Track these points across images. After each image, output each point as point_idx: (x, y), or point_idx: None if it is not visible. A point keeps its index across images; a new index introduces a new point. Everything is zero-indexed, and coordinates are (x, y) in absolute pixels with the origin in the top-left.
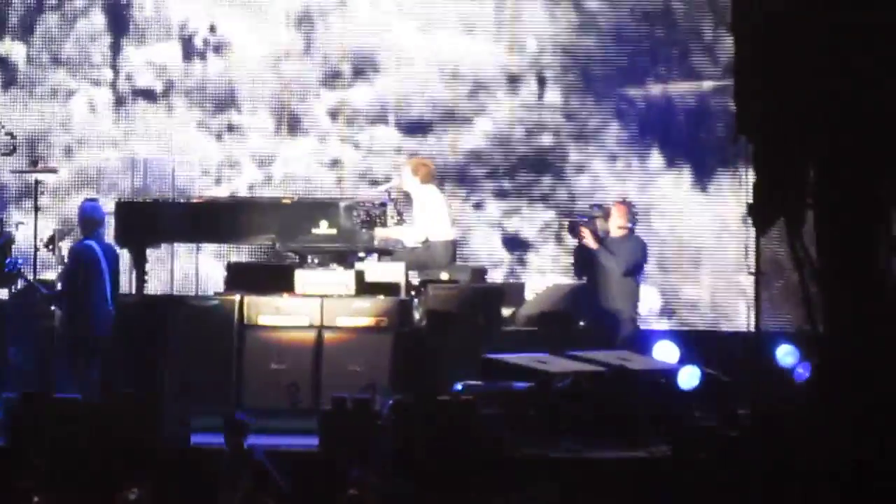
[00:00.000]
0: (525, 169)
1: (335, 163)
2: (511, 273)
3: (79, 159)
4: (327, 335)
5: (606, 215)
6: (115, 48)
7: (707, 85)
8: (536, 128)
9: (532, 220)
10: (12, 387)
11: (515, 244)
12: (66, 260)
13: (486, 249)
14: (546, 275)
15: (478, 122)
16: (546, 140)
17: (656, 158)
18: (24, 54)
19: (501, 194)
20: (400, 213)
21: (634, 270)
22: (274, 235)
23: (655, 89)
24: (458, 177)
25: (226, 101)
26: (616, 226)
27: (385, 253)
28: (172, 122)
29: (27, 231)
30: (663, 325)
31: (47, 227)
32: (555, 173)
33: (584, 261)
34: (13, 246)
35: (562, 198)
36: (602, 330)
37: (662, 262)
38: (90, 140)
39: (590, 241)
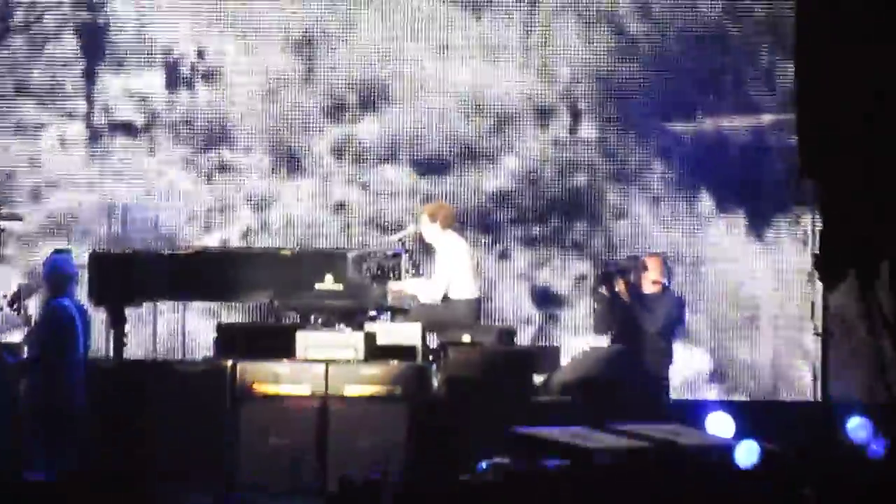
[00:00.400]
0: (556, 213)
1: (340, 207)
2: (541, 333)
3: (48, 203)
4: (333, 406)
5: (643, 268)
6: (90, 76)
7: (765, 118)
8: (569, 166)
9: (565, 272)
10: None
11: (546, 299)
12: (34, 321)
13: (513, 305)
14: (581, 335)
15: (503, 160)
16: (580, 180)
17: (706, 202)
18: None
19: (530, 242)
20: (416, 266)
21: (670, 330)
22: (272, 291)
23: (705, 123)
24: (480, 222)
25: (216, 137)
26: (650, 281)
27: (399, 311)
28: (155, 160)
29: None
30: (714, 392)
31: (12, 281)
32: (590, 218)
33: (613, 317)
34: None
35: (598, 246)
36: (644, 399)
37: (714, 319)
38: (61, 181)
39: (624, 295)
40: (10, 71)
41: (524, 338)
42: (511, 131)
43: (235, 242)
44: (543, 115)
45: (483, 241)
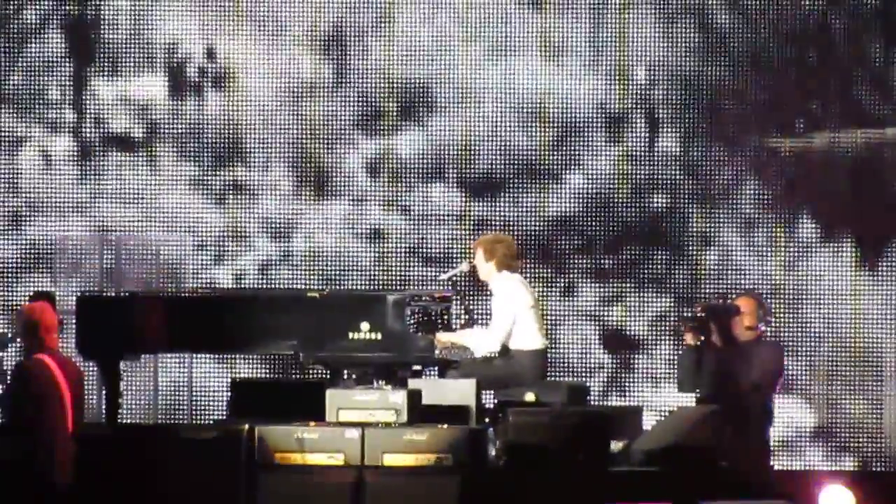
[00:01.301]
0: (631, 241)
1: (376, 235)
2: (614, 383)
3: (29, 231)
4: (370, 478)
5: (735, 311)
6: (79, 81)
7: (879, 130)
8: (647, 185)
9: (641, 311)
10: None
11: (619, 343)
12: (8, 379)
13: (579, 350)
14: (662, 387)
15: (567, 177)
16: (659, 202)
17: (808, 227)
18: None
19: (599, 275)
20: (468, 312)
21: (769, 385)
22: (297, 342)
23: (807, 135)
24: (540, 251)
25: (229, 152)
26: (744, 326)
27: (449, 366)
28: (157, 179)
29: None
30: (817, 454)
31: None
32: (671, 247)
33: (701, 371)
34: None
35: (680, 280)
36: (745, 470)
37: (816, 367)
38: (44, 205)
39: (715, 340)
40: None
41: (595, 393)
42: (578, 144)
43: (252, 277)
44: (616, 124)
45: (544, 273)
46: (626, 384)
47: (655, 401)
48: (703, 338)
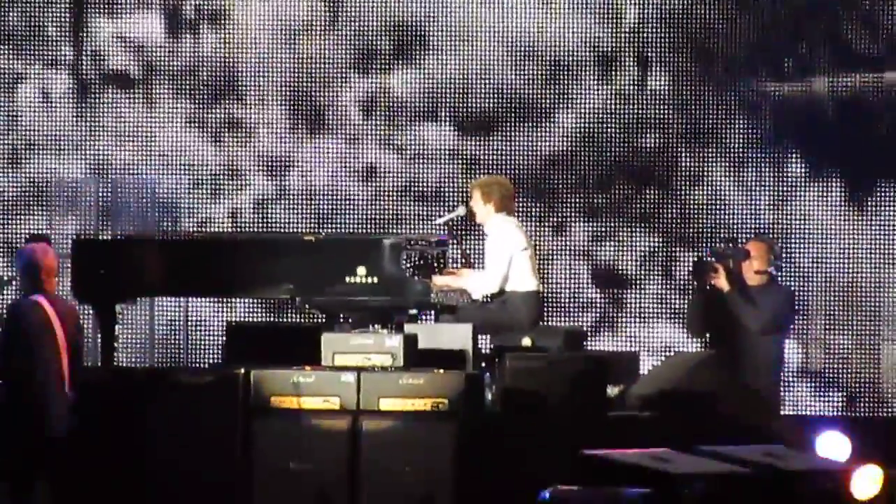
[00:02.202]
0: (622, 179)
1: (371, 172)
2: (604, 319)
3: (27, 168)
4: (366, 423)
5: (745, 255)
6: (78, 19)
7: (867, 73)
8: (636, 124)
9: (631, 248)
10: None
11: (609, 280)
12: (5, 321)
13: (570, 287)
14: (651, 322)
15: (558, 116)
16: (649, 140)
17: (798, 166)
18: None
19: (590, 213)
20: (466, 256)
21: (776, 329)
22: (293, 286)
23: (797, 75)
24: (532, 189)
25: (225, 90)
26: (752, 271)
27: (446, 310)
28: (153, 117)
29: None
30: (809, 398)
31: None
32: (660, 185)
33: (710, 314)
34: None
35: (670, 217)
36: (746, 415)
37: (809, 307)
38: (42, 143)
39: (722, 283)
40: None
41: (599, 341)
42: (569, 83)
43: (248, 215)
44: (607, 63)
45: (535, 211)
46: (615, 319)
47: (647, 340)
48: (711, 282)
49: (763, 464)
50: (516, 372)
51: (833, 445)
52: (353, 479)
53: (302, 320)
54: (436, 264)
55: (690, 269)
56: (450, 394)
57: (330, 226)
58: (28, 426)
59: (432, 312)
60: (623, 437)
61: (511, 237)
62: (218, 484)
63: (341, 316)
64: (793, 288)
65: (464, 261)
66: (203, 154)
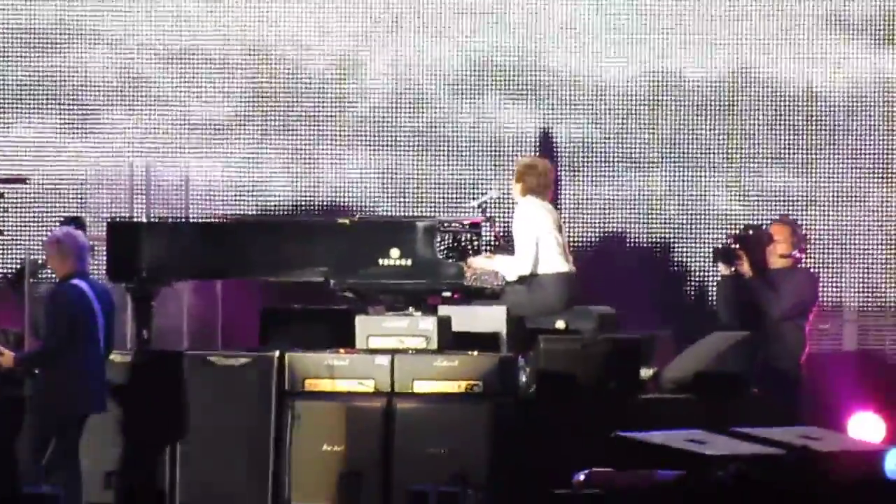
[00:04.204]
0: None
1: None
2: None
3: (65, 150)
4: (400, 405)
5: (768, 239)
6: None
7: None
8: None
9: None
10: None
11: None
12: (47, 305)
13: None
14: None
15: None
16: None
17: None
18: None
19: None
20: (499, 237)
21: (798, 314)
22: (327, 269)
23: None
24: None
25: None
26: (776, 254)
27: (480, 293)
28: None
29: None
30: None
31: (13, 257)
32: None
33: (736, 300)
34: None
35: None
36: (776, 397)
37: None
38: (81, 128)
39: (745, 268)
40: None
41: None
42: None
43: (282, 202)
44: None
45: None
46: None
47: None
48: (734, 268)
49: (797, 445)
50: (550, 354)
51: (867, 426)
52: (387, 461)
53: (336, 304)
54: (470, 247)
55: (716, 253)
56: (484, 376)
57: (365, 215)
58: (74, 403)
59: (467, 295)
60: (657, 419)
61: (534, 219)
62: (253, 467)
63: (376, 299)
64: (813, 270)
65: (497, 244)
66: (236, 139)
